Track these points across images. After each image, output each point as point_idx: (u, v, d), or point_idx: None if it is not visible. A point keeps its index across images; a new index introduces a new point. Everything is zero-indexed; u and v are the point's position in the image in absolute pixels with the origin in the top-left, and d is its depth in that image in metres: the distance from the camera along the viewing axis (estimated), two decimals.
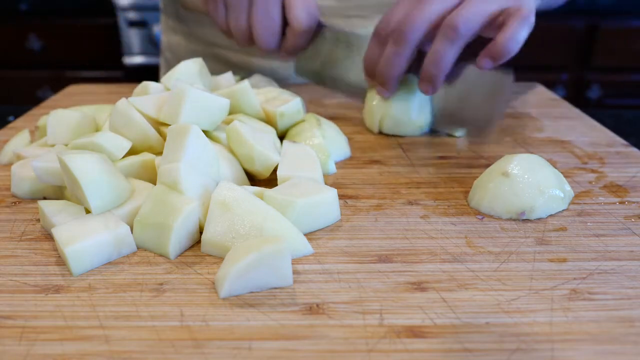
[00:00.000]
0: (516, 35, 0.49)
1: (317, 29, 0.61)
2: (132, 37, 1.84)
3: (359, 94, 0.64)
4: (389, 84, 0.56)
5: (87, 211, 0.40)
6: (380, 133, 0.61)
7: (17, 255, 0.38)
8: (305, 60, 0.65)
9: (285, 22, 0.60)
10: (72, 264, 0.35)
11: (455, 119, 0.59)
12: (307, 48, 0.63)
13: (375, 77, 0.57)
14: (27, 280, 0.35)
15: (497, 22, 0.51)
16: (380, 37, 0.55)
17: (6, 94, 1.97)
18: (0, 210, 0.45)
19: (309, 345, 0.30)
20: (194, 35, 0.85)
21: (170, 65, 0.89)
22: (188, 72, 0.55)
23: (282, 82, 0.76)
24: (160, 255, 0.38)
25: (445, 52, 0.51)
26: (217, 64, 0.83)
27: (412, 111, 0.58)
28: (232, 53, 0.82)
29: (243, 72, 0.79)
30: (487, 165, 0.53)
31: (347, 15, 0.76)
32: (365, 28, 0.67)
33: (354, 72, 0.62)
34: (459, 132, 0.60)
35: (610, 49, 1.79)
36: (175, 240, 0.37)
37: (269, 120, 0.55)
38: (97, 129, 0.54)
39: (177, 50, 0.88)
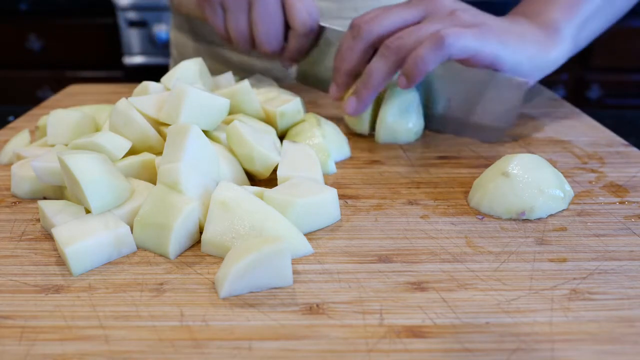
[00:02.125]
0: (425, 57, 0.50)
1: (319, 32, 0.61)
2: (132, 37, 1.84)
3: None
4: (365, 98, 0.55)
5: (87, 211, 0.40)
6: (371, 135, 0.60)
7: (17, 255, 0.38)
8: (308, 65, 0.64)
9: (286, 26, 0.59)
10: (72, 264, 0.35)
11: (461, 123, 0.59)
12: (310, 52, 0.62)
13: (358, 85, 0.55)
14: (27, 280, 0.35)
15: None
16: (355, 42, 0.55)
17: (6, 94, 1.97)
18: (0, 210, 0.45)
19: (309, 345, 0.30)
20: (199, 34, 0.85)
21: (175, 62, 0.90)
22: (188, 72, 0.55)
23: (282, 82, 0.76)
24: (160, 255, 0.38)
25: (428, 57, 0.50)
26: (220, 64, 0.83)
27: (409, 120, 0.58)
28: (235, 53, 0.82)
29: (244, 72, 0.79)
30: (487, 165, 0.53)
31: (343, 17, 0.76)
32: None
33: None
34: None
35: (610, 49, 1.79)
36: (175, 240, 0.37)
37: (269, 120, 0.55)
38: (97, 129, 0.54)
39: (184, 49, 0.88)
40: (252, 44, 0.59)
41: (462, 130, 0.59)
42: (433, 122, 0.61)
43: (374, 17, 0.54)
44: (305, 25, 0.57)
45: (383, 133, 0.57)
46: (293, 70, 0.67)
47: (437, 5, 0.54)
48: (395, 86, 0.56)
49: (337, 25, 0.60)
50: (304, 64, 0.65)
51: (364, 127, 0.59)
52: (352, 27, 0.54)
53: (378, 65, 0.52)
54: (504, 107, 0.56)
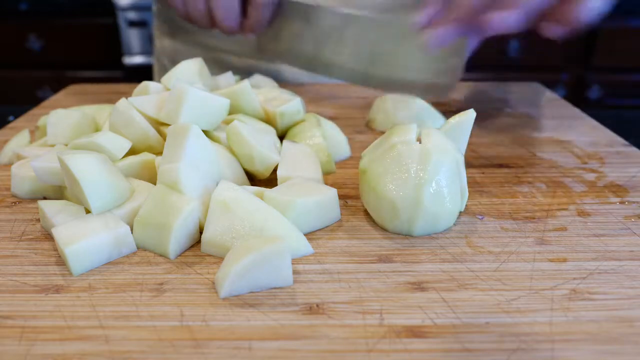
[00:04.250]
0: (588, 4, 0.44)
1: (277, 4, 0.60)
2: (132, 37, 1.84)
3: (318, 68, 0.62)
4: (451, 30, 0.49)
5: (87, 211, 0.40)
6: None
7: (17, 255, 0.38)
8: (267, 38, 0.63)
9: (244, 1, 0.58)
10: (72, 264, 0.35)
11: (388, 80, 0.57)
12: (268, 24, 0.61)
13: (450, 12, 0.49)
14: (27, 280, 0.35)
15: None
16: None
17: (6, 94, 1.97)
18: (0, 210, 0.45)
19: (309, 345, 0.30)
20: (192, 40, 0.84)
21: (165, 70, 0.89)
22: (188, 72, 0.55)
23: (282, 83, 0.76)
24: (160, 255, 0.38)
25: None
26: (217, 68, 0.83)
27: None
28: (233, 57, 0.82)
29: (242, 74, 0.79)
30: (487, 165, 0.53)
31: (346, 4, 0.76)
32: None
33: (313, 45, 0.60)
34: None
35: (610, 49, 1.79)
36: (175, 240, 0.37)
37: (269, 120, 0.55)
38: (97, 129, 0.54)
39: (175, 55, 0.88)
40: (212, 22, 0.60)
41: (391, 87, 0.57)
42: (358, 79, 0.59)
43: None
44: None
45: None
46: (253, 39, 0.65)
47: None
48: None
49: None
50: (262, 36, 0.63)
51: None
52: None
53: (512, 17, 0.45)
54: (438, 63, 0.53)
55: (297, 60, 0.63)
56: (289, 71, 0.84)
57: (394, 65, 0.55)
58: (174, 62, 0.86)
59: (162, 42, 0.89)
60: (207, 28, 0.61)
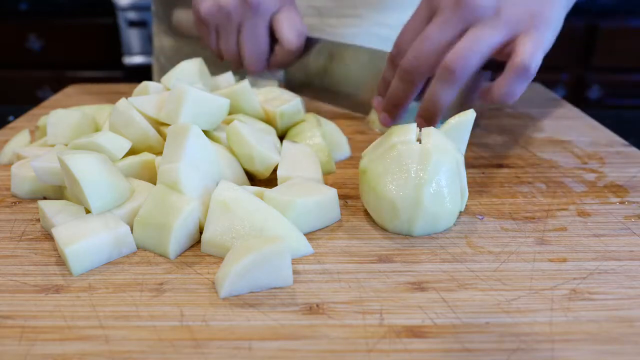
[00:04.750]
0: (512, 90, 0.45)
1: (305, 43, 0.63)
2: (132, 37, 1.84)
3: (343, 102, 0.65)
4: (393, 113, 0.54)
5: (87, 211, 0.40)
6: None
7: (17, 255, 0.38)
8: (293, 72, 0.67)
9: (273, 39, 0.62)
10: (72, 264, 0.35)
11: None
12: (295, 63, 0.65)
13: (384, 102, 0.54)
14: (27, 280, 0.35)
15: (505, 50, 0.47)
16: (394, 65, 0.53)
17: (6, 94, 1.97)
18: (0, 210, 0.45)
19: (309, 345, 0.30)
20: (190, 39, 0.85)
21: (164, 70, 0.89)
22: (188, 72, 0.55)
23: (281, 83, 0.76)
24: (160, 255, 0.38)
25: (443, 94, 0.48)
26: (214, 67, 0.83)
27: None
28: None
29: (240, 74, 0.80)
30: (487, 165, 0.53)
31: (341, 14, 0.76)
32: (347, 38, 0.69)
33: (336, 80, 0.64)
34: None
35: (610, 49, 1.79)
36: (175, 240, 0.37)
37: (269, 120, 0.55)
38: (97, 129, 0.54)
39: (173, 54, 0.88)
40: (240, 63, 0.64)
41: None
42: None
43: (415, 53, 0.48)
44: (291, 44, 0.60)
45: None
46: (280, 75, 0.69)
47: (475, 9, 0.46)
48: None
49: (327, 32, 0.63)
50: (290, 71, 0.67)
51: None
52: (400, 69, 0.50)
53: (444, 93, 0.48)
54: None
55: (322, 95, 0.66)
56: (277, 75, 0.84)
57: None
58: (172, 61, 0.87)
59: (161, 41, 0.89)
60: (237, 67, 0.65)
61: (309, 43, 0.63)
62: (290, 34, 0.59)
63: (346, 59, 0.62)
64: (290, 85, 0.68)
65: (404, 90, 0.51)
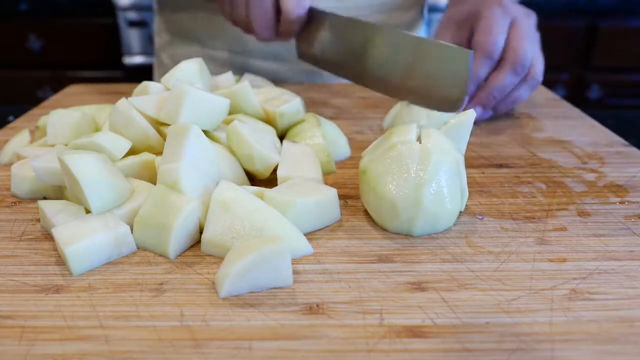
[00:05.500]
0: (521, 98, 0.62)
1: (311, 15, 0.64)
2: (132, 37, 1.84)
3: (350, 76, 0.63)
4: (491, 105, 0.62)
5: (87, 211, 0.40)
6: None
7: (17, 255, 0.38)
8: (304, 44, 0.67)
9: (278, 12, 0.64)
10: (72, 264, 0.35)
11: (422, 96, 0.56)
12: (302, 33, 0.66)
13: (483, 97, 0.62)
14: (27, 280, 0.35)
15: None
16: (493, 61, 0.60)
17: (6, 94, 1.97)
18: (0, 210, 0.45)
19: (309, 345, 0.30)
20: (189, 36, 0.85)
21: (165, 67, 0.90)
22: (188, 72, 0.55)
23: (279, 83, 0.76)
24: (160, 255, 0.38)
25: (523, 95, 0.62)
26: (214, 65, 0.83)
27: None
28: (228, 54, 0.82)
29: (239, 73, 0.80)
30: (487, 165, 0.53)
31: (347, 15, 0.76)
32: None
33: (343, 55, 0.63)
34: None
35: (610, 49, 1.79)
36: (175, 240, 0.37)
37: (269, 120, 0.55)
38: (97, 129, 0.54)
39: (173, 52, 0.88)
40: (250, 28, 0.67)
41: (406, 97, 0.58)
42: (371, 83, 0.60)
43: (529, 54, 0.60)
44: (292, 13, 0.62)
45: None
46: (293, 45, 0.71)
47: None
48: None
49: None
50: (300, 42, 0.68)
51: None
52: (513, 64, 0.60)
53: (525, 94, 0.62)
54: (450, 77, 0.54)
55: (332, 68, 0.66)
56: (287, 73, 0.84)
57: (418, 78, 0.57)
58: (173, 57, 0.87)
59: (161, 39, 0.90)
60: (247, 33, 0.68)
61: (316, 15, 0.64)
62: (290, 4, 0.62)
63: (348, 32, 0.62)
64: (303, 58, 0.69)
65: (513, 82, 0.60)
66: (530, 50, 0.59)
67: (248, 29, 0.67)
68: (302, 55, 0.69)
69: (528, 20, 0.62)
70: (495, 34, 0.59)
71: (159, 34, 0.91)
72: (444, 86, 0.54)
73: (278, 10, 0.64)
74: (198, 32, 0.83)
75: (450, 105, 0.53)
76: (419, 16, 0.88)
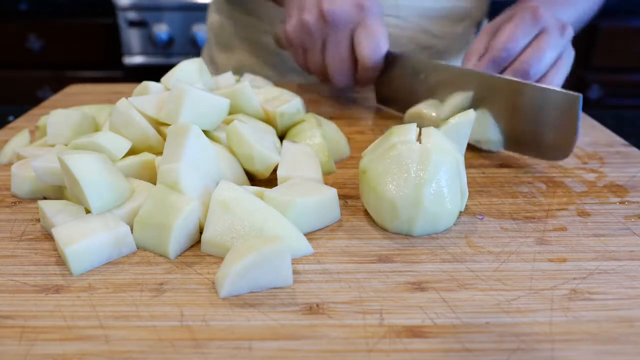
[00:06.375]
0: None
1: (388, 59, 0.62)
2: (132, 37, 1.83)
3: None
4: None
5: (87, 211, 0.40)
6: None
7: (17, 255, 0.38)
8: (384, 89, 0.67)
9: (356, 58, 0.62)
10: (72, 264, 0.35)
11: (525, 142, 0.53)
12: (381, 77, 0.65)
13: None
14: (27, 280, 0.35)
15: None
16: (497, 66, 0.57)
17: (6, 94, 1.97)
18: (0, 210, 0.45)
19: (309, 345, 0.30)
20: (242, 22, 0.87)
21: (210, 47, 0.93)
22: (188, 72, 0.55)
23: (278, 84, 0.76)
24: (160, 255, 0.38)
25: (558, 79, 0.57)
26: (263, 53, 0.85)
27: (490, 130, 0.54)
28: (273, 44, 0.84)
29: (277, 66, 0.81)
30: (487, 165, 0.53)
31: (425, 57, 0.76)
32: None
33: (420, 96, 0.61)
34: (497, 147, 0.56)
35: (610, 49, 1.79)
36: (175, 240, 0.37)
37: (269, 120, 0.55)
38: (97, 129, 0.54)
39: (220, 32, 0.91)
40: (326, 76, 0.65)
41: (518, 147, 0.55)
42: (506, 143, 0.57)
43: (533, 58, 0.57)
44: (370, 59, 0.60)
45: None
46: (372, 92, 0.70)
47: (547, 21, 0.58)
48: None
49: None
50: (381, 87, 0.67)
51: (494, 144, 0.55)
52: (517, 70, 0.56)
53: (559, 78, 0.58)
54: (557, 124, 0.50)
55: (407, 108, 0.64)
56: (286, 72, 0.85)
57: (521, 124, 0.54)
58: (219, 38, 0.91)
59: (211, 18, 0.93)
60: (323, 81, 0.67)
61: (392, 58, 0.62)
62: (366, 50, 0.60)
63: (428, 74, 0.60)
64: (383, 103, 0.68)
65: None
66: (544, 64, 0.55)
67: (324, 76, 0.65)
68: (383, 101, 0.68)
69: (559, 34, 0.57)
70: (511, 40, 0.56)
71: (212, 12, 0.93)
72: (550, 134, 0.50)
73: (355, 56, 0.62)
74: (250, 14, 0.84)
75: (560, 153, 0.51)
76: (472, 30, 0.87)
